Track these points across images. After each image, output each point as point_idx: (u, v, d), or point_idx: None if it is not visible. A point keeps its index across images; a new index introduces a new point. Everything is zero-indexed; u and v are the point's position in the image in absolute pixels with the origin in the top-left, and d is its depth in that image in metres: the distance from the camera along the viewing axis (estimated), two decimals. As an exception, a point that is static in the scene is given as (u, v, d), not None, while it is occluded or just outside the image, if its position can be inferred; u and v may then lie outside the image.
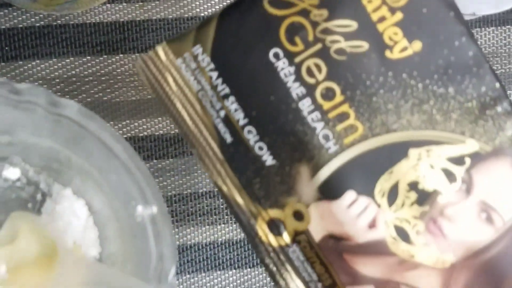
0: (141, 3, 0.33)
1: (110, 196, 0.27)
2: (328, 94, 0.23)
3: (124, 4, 0.33)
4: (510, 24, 0.37)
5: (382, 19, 0.22)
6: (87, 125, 0.24)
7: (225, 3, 0.33)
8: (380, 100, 0.23)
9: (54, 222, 0.28)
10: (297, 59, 0.23)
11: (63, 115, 0.24)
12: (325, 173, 0.24)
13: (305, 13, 0.22)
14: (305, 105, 0.23)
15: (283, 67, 0.23)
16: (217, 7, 0.33)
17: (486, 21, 0.36)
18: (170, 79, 0.24)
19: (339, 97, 0.23)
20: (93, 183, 0.28)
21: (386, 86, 0.23)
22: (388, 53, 0.22)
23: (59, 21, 0.33)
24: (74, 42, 0.33)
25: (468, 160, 0.23)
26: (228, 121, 0.24)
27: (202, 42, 0.24)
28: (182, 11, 0.33)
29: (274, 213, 0.25)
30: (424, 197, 0.23)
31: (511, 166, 0.23)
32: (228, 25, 0.23)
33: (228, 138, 0.24)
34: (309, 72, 0.23)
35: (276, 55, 0.23)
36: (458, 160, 0.23)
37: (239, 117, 0.24)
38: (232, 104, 0.24)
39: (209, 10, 0.33)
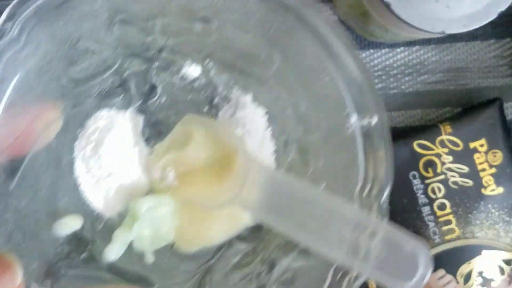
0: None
1: (313, 101, 0.24)
2: (441, 207, 0.36)
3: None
4: (479, 39, 0.36)
5: (483, 169, 0.36)
6: (305, 15, 0.21)
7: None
8: (472, 217, 0.36)
9: (232, 129, 0.25)
10: (427, 181, 0.36)
11: (280, 2, 0.21)
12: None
13: (438, 155, 0.36)
14: (425, 210, 0.36)
15: (416, 184, 0.36)
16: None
17: (456, 36, 0.36)
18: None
19: (448, 210, 0.36)
20: (287, 88, 0.24)
21: (477, 210, 0.36)
22: (483, 190, 0.36)
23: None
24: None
25: (516, 264, 0.37)
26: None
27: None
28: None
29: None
30: (485, 282, 0.37)
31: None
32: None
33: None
34: (433, 191, 0.36)
35: (414, 176, 0.36)
36: (508, 262, 0.37)
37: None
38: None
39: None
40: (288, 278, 0.24)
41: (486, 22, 0.31)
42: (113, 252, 0.25)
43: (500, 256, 0.37)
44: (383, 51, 0.39)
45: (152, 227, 0.25)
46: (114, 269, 0.26)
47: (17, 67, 0.22)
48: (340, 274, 0.23)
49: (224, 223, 0.26)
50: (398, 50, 0.39)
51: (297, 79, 0.24)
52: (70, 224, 0.26)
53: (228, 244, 0.27)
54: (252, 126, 0.25)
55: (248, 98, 0.26)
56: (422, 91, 0.39)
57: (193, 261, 0.27)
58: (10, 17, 0.21)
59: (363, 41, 0.39)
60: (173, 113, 0.26)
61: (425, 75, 0.39)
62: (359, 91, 0.22)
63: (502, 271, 0.37)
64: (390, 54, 0.39)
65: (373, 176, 0.22)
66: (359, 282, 0.23)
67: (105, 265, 0.26)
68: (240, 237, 0.26)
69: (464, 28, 0.31)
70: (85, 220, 0.26)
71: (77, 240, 0.26)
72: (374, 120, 0.22)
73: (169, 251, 0.26)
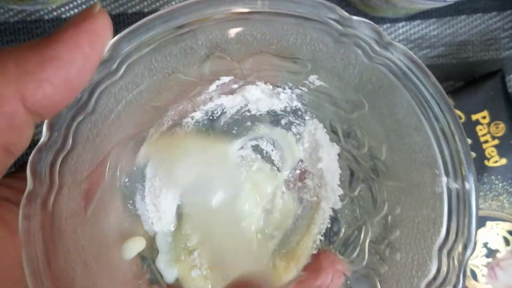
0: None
1: (398, 153, 0.24)
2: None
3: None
4: (481, 12, 0.36)
5: (486, 141, 0.36)
6: (408, 74, 0.21)
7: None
8: (476, 189, 0.37)
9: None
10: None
11: (388, 59, 0.21)
12: (431, 227, 0.37)
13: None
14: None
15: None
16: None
17: (457, 9, 0.36)
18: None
19: (451, 183, 0.37)
20: (368, 132, 0.25)
21: (481, 181, 0.36)
22: (486, 162, 0.36)
23: (33, 16, 0.32)
24: (54, 35, 0.32)
25: (521, 234, 0.37)
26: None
27: None
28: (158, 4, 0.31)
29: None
30: (489, 253, 0.37)
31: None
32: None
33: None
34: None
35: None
36: (514, 233, 0.37)
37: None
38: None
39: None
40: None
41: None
42: (169, 276, 0.26)
43: (505, 227, 0.37)
44: (384, 26, 0.39)
45: None
46: None
47: (109, 99, 0.23)
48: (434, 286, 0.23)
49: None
50: (399, 24, 0.39)
51: (383, 128, 0.24)
52: (135, 246, 0.26)
53: None
54: (324, 154, 0.26)
55: (319, 127, 0.26)
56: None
57: None
58: (112, 51, 0.21)
59: (364, 17, 0.38)
60: (235, 130, 0.27)
61: (426, 49, 0.39)
62: (453, 155, 0.22)
63: (507, 242, 0.37)
64: (392, 29, 0.39)
65: (454, 236, 0.22)
66: None
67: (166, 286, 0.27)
68: None
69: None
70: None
71: (140, 261, 0.26)
72: (467, 186, 0.22)
73: None
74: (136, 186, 0.27)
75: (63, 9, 0.33)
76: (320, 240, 0.27)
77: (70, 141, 0.22)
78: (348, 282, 0.26)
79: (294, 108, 0.27)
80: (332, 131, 0.27)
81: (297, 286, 0.26)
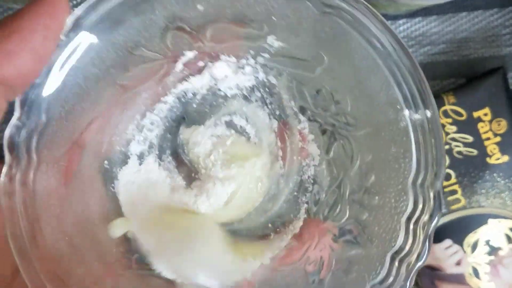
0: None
1: (361, 99, 0.25)
2: (446, 177, 0.36)
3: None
4: (482, 9, 0.36)
5: (487, 138, 0.36)
6: (357, 17, 0.22)
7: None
8: (478, 186, 0.36)
9: None
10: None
11: (336, 6, 0.22)
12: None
13: (442, 126, 0.36)
14: (430, 181, 0.37)
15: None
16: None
17: (458, 6, 0.36)
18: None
19: (453, 180, 0.36)
20: (332, 87, 0.25)
21: (483, 179, 0.36)
22: (488, 159, 0.36)
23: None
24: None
25: (523, 231, 0.37)
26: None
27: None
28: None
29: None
30: (492, 251, 0.37)
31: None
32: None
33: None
34: (437, 162, 0.36)
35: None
36: (516, 230, 0.37)
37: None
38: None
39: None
40: (343, 267, 0.25)
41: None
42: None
43: (507, 224, 0.37)
44: (385, 24, 0.39)
45: None
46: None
47: (78, 74, 0.23)
48: (398, 258, 0.24)
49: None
50: (400, 22, 0.39)
51: (344, 78, 0.25)
52: (121, 225, 0.27)
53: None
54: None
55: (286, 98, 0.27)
56: (425, 63, 0.39)
57: None
58: (74, 27, 0.22)
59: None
60: (208, 109, 0.28)
61: (427, 46, 0.39)
62: (411, 87, 0.22)
63: (509, 239, 0.37)
64: (393, 27, 0.39)
65: (425, 167, 0.23)
66: (420, 264, 0.23)
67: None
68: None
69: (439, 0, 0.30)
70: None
71: (128, 240, 0.27)
72: (428, 114, 0.22)
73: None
74: (116, 169, 0.27)
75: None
76: (305, 208, 0.28)
77: (43, 117, 0.22)
78: (335, 238, 0.26)
79: (261, 81, 0.27)
80: (302, 98, 0.27)
81: (287, 253, 0.27)
